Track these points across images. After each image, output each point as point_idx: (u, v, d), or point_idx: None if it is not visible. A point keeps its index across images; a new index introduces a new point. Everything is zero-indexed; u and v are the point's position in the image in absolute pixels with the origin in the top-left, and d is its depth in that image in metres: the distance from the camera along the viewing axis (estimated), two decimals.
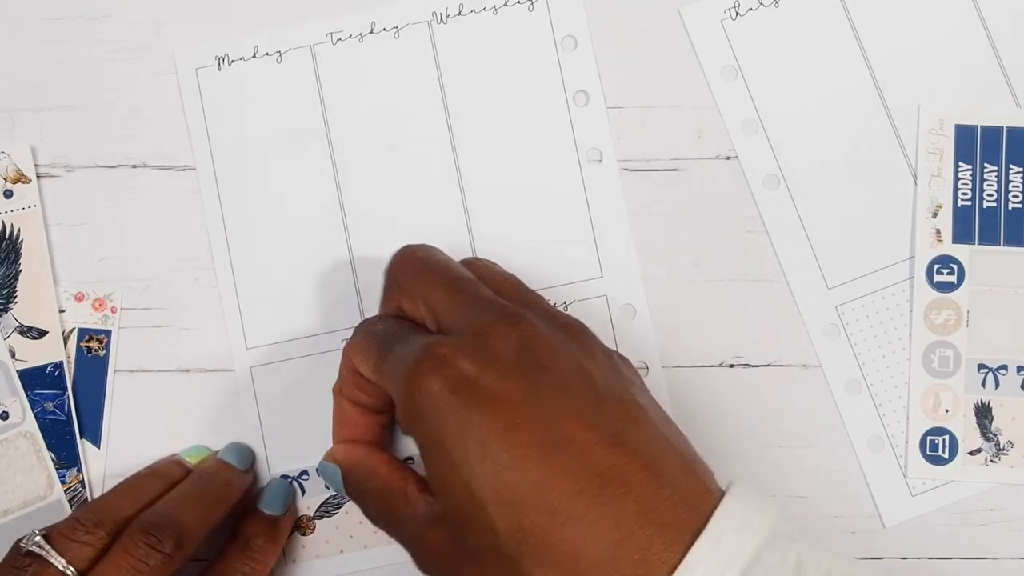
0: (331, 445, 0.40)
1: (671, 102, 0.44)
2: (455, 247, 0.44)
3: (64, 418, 0.43)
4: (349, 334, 0.43)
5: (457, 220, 0.44)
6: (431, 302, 0.35)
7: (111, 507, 0.38)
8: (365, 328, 0.38)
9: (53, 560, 0.36)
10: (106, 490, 0.43)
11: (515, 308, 0.34)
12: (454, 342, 0.32)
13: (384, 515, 0.37)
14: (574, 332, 0.35)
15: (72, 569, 0.36)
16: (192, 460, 0.42)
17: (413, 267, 0.37)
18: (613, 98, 0.45)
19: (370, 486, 0.37)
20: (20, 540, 0.37)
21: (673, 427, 0.34)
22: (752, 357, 0.44)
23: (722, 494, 0.31)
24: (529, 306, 0.35)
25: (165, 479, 0.41)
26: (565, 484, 0.30)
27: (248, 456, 0.42)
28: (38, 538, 0.37)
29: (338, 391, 0.40)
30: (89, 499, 0.43)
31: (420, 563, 0.35)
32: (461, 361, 0.32)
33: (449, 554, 0.33)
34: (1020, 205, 0.43)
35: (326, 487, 0.43)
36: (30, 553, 0.36)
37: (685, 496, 0.30)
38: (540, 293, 0.43)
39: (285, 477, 0.43)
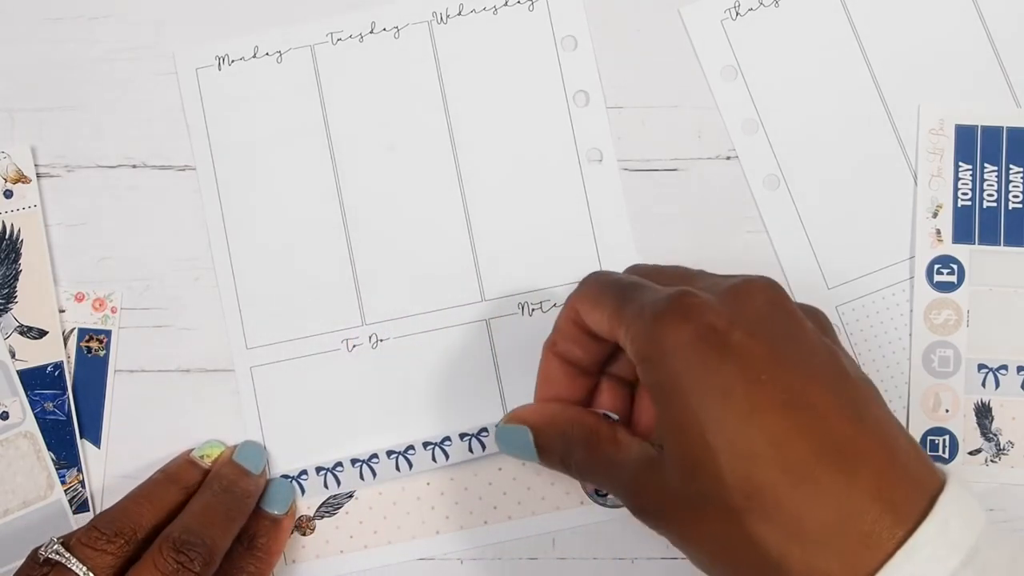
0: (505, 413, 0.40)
1: (671, 102, 0.44)
2: (455, 247, 0.44)
3: (64, 418, 0.43)
4: (349, 334, 0.43)
5: (457, 220, 0.44)
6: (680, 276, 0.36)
7: (130, 515, 0.38)
8: (597, 278, 0.37)
9: (74, 567, 0.36)
10: (106, 490, 0.43)
11: (765, 276, 0.34)
12: (705, 295, 0.33)
13: (592, 462, 0.36)
14: (814, 314, 0.35)
15: None
16: (208, 456, 0.42)
17: (641, 271, 0.38)
18: (613, 98, 0.45)
19: (576, 434, 0.36)
20: (38, 548, 0.37)
21: None
22: None
23: (943, 481, 0.31)
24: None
25: (180, 484, 0.40)
26: (803, 446, 0.30)
27: (263, 458, 0.42)
28: (57, 546, 0.37)
29: (550, 346, 0.39)
30: (89, 499, 0.43)
31: (634, 504, 0.34)
32: (711, 313, 0.32)
33: (665, 497, 0.33)
34: (1020, 205, 0.43)
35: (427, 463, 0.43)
36: (48, 561, 0.36)
37: (916, 478, 0.30)
38: (540, 293, 0.43)
39: (286, 477, 0.43)
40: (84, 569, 0.36)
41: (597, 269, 0.38)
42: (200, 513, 0.39)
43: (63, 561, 0.36)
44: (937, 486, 0.30)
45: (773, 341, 0.32)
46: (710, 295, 0.33)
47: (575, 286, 0.43)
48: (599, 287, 0.36)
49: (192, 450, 0.42)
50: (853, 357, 0.36)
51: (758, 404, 0.30)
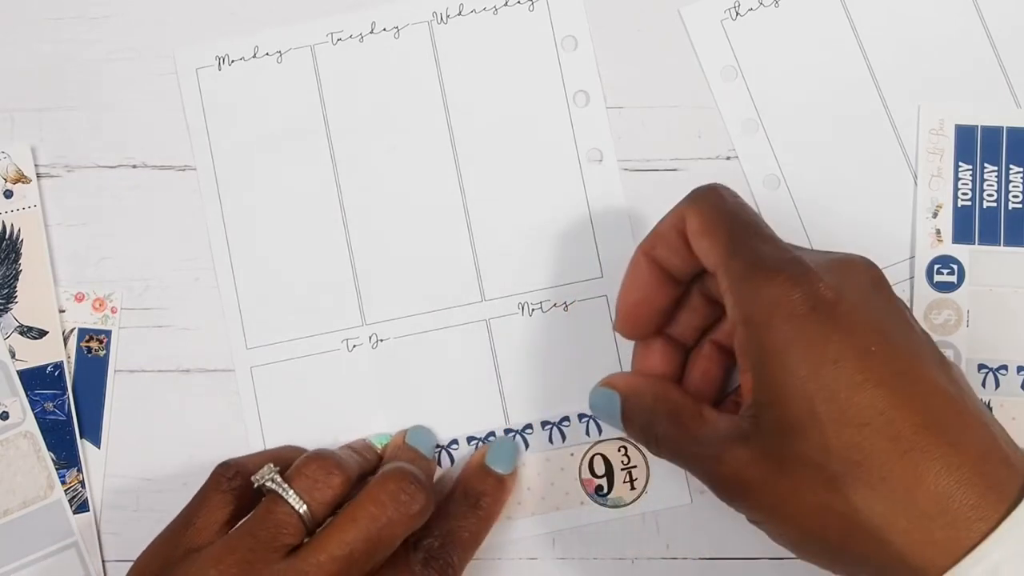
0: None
1: (671, 102, 0.44)
2: (455, 247, 0.44)
3: (64, 418, 0.43)
4: (349, 334, 0.43)
5: (457, 220, 0.44)
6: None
7: (344, 460, 0.37)
8: (715, 202, 0.36)
9: (290, 499, 0.35)
10: (106, 490, 0.43)
11: (865, 256, 0.34)
12: (815, 265, 0.33)
13: (675, 438, 0.36)
14: (902, 302, 0.35)
15: (306, 508, 0.35)
16: (381, 444, 0.41)
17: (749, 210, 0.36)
18: (613, 98, 0.45)
19: (661, 408, 0.36)
20: (226, 464, 0.37)
21: None
22: None
23: None
24: None
25: (363, 458, 0.40)
26: (913, 416, 0.30)
27: (434, 441, 0.42)
28: (274, 474, 0.36)
29: (647, 248, 0.38)
30: (89, 499, 0.43)
31: (720, 478, 0.34)
32: (822, 283, 0.32)
33: (756, 470, 0.32)
34: (1020, 205, 0.43)
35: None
36: (262, 488, 0.36)
37: (1014, 459, 0.31)
38: (540, 293, 0.43)
39: (509, 431, 0.43)
40: (300, 501, 0.35)
41: (713, 183, 0.37)
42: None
43: (279, 491, 0.35)
44: None
45: (879, 316, 0.32)
46: (816, 264, 0.33)
47: (575, 286, 0.43)
48: (715, 213, 0.35)
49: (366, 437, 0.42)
50: None
51: (869, 375, 0.31)
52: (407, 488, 0.36)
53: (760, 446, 0.32)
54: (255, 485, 0.36)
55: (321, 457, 0.37)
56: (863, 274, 0.33)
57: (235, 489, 0.37)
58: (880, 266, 0.34)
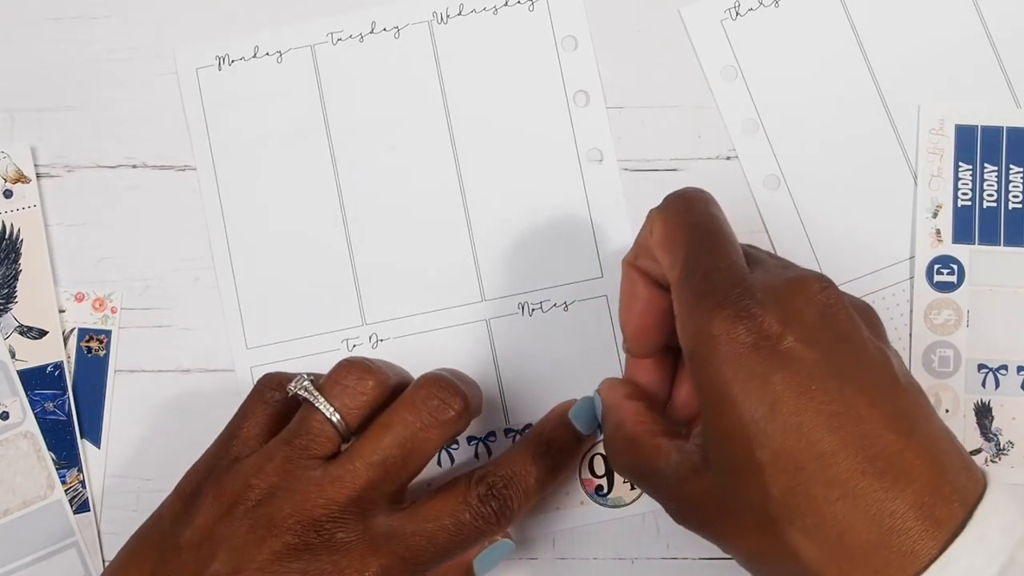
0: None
1: (671, 102, 0.44)
2: (455, 247, 0.44)
3: (64, 418, 0.43)
4: (349, 334, 0.43)
5: (457, 220, 0.44)
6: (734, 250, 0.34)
7: (374, 362, 0.37)
8: (679, 211, 0.35)
9: (321, 407, 0.36)
10: (106, 490, 0.43)
11: (819, 273, 0.33)
12: (760, 296, 0.32)
13: (633, 468, 0.35)
14: (864, 311, 0.34)
15: (338, 416, 0.35)
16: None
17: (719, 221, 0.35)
18: (613, 98, 0.45)
19: (619, 436, 0.36)
20: (288, 382, 0.37)
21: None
22: None
23: (984, 488, 0.30)
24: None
25: (398, 370, 0.39)
26: (849, 461, 0.29)
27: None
28: (307, 382, 0.36)
29: (631, 260, 0.37)
30: (89, 499, 0.43)
31: (677, 514, 0.34)
32: (767, 316, 0.31)
33: (709, 504, 0.32)
34: (1020, 205, 0.43)
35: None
36: (296, 397, 0.36)
37: (960, 491, 0.30)
38: (540, 293, 0.43)
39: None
40: (331, 409, 0.36)
41: (686, 187, 0.36)
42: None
43: (311, 399, 0.36)
44: (978, 495, 0.30)
45: (826, 347, 0.31)
46: (765, 293, 0.32)
47: (575, 286, 0.43)
48: (677, 225, 0.34)
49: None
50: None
51: (806, 416, 0.30)
52: (440, 394, 0.36)
53: (708, 482, 0.32)
54: (289, 394, 0.37)
55: (352, 362, 0.37)
56: (814, 297, 0.32)
57: (278, 401, 0.37)
58: (880, 266, 0.34)
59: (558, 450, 0.39)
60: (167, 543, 0.35)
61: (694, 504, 0.33)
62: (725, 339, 0.31)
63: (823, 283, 0.32)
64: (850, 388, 0.30)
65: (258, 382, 0.38)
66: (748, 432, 0.30)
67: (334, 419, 0.36)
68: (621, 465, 0.36)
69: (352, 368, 0.36)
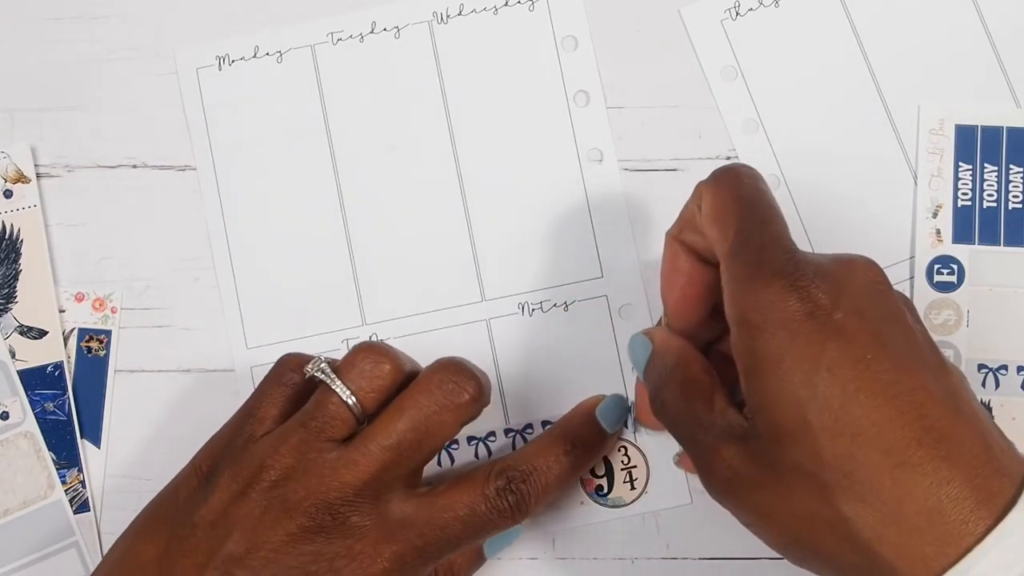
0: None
1: (671, 102, 0.44)
2: (455, 247, 0.44)
3: (64, 418, 0.43)
4: (349, 334, 0.43)
5: (457, 220, 0.44)
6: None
7: (391, 347, 0.37)
8: (732, 188, 0.35)
9: (337, 389, 0.35)
10: (106, 490, 0.43)
11: (865, 256, 0.33)
12: (814, 269, 0.32)
13: (678, 411, 0.35)
14: (904, 299, 0.35)
15: (354, 399, 0.35)
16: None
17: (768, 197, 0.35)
18: (613, 98, 0.45)
19: (677, 374, 0.36)
20: (306, 364, 0.37)
21: None
22: None
23: None
24: None
25: (412, 360, 0.39)
26: (906, 429, 0.30)
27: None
28: (324, 364, 0.36)
29: (675, 233, 0.37)
30: (89, 499, 0.43)
31: (708, 476, 0.34)
32: (819, 289, 0.31)
33: (748, 471, 0.32)
34: (1020, 205, 0.43)
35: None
36: (313, 378, 0.36)
37: (1008, 468, 0.30)
38: (540, 293, 0.43)
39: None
40: (347, 392, 0.35)
41: (734, 162, 0.35)
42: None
43: (327, 381, 0.36)
44: (1022, 473, 0.30)
45: (876, 323, 0.31)
46: (815, 269, 0.32)
47: (575, 286, 0.43)
48: (729, 199, 0.34)
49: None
50: None
51: (863, 384, 0.30)
52: (455, 377, 0.36)
53: (755, 448, 0.32)
54: (306, 376, 0.37)
55: (369, 346, 0.37)
56: (863, 276, 0.33)
57: (296, 383, 0.37)
58: (880, 266, 0.34)
59: (582, 447, 0.39)
60: (181, 519, 0.35)
61: (735, 470, 0.32)
62: (781, 307, 0.31)
63: (870, 264, 0.33)
64: (902, 362, 0.31)
65: (276, 363, 0.38)
66: (801, 398, 0.30)
67: (350, 402, 0.35)
68: (673, 408, 0.35)
69: (369, 352, 0.36)
